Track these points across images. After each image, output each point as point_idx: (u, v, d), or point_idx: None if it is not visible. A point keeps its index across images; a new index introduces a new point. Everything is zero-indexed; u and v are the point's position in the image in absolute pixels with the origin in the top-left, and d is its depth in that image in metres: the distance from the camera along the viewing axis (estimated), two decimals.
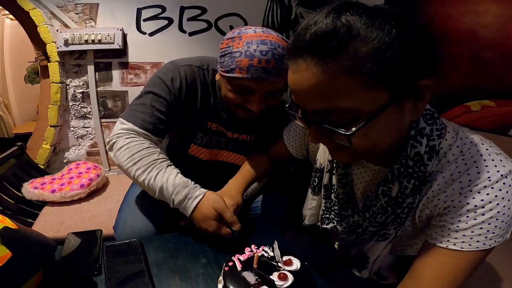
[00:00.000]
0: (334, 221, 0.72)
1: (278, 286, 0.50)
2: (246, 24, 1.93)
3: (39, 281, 0.54)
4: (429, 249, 0.53)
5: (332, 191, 0.70)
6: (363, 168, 0.64)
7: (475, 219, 0.47)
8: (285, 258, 0.56)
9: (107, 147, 0.80)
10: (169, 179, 0.73)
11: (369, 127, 0.42)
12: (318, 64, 0.41)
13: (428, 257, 0.53)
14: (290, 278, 0.51)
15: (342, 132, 0.42)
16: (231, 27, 1.92)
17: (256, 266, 0.53)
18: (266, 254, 0.57)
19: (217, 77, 0.84)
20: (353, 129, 0.42)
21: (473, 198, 0.47)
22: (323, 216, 0.76)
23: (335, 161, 0.67)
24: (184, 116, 0.87)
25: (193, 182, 0.75)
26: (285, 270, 0.53)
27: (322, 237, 0.90)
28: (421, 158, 0.51)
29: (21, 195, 1.33)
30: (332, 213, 0.72)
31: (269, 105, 0.80)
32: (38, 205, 1.33)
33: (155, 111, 0.81)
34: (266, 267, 0.54)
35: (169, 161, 0.78)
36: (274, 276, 0.51)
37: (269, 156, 0.97)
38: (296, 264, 0.55)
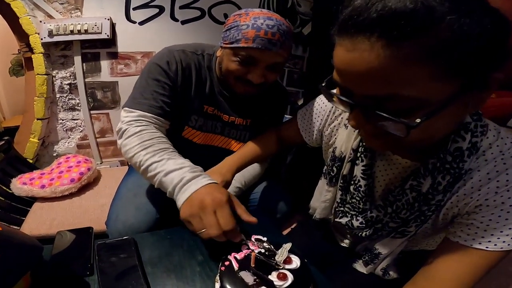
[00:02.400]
0: (348, 215, 0.70)
1: (278, 287, 0.48)
2: None
3: (27, 284, 0.51)
4: (450, 247, 0.52)
5: (352, 182, 0.68)
6: (386, 161, 0.62)
7: (506, 219, 0.47)
8: (284, 255, 0.54)
9: (118, 135, 0.81)
10: (182, 164, 0.69)
11: (433, 119, 0.39)
12: (386, 46, 0.36)
13: (447, 255, 0.52)
14: (290, 277, 0.50)
15: (404, 122, 0.38)
16: (226, 15, 1.87)
17: (253, 266, 0.51)
18: (263, 250, 0.55)
19: (219, 52, 0.87)
20: (418, 120, 0.37)
21: (509, 198, 0.46)
22: (336, 209, 0.73)
23: (360, 150, 0.64)
24: (179, 99, 0.87)
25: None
26: (285, 269, 0.52)
27: (324, 230, 0.89)
28: (462, 154, 0.49)
29: (10, 191, 1.28)
30: (348, 206, 0.70)
31: (267, 80, 0.83)
32: (29, 201, 1.29)
33: (159, 95, 0.82)
34: (264, 266, 0.52)
35: (178, 152, 0.76)
36: (273, 276, 0.50)
37: (278, 138, 0.95)
38: (296, 262, 0.54)
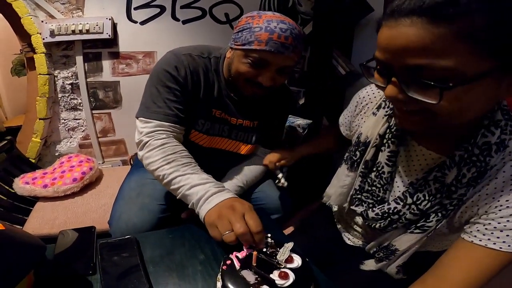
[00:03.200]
0: (365, 204, 0.70)
1: (279, 286, 0.48)
2: (242, 11, 1.88)
3: (30, 283, 0.52)
4: (463, 246, 0.53)
5: (374, 169, 0.68)
6: (409, 152, 0.63)
7: None
8: (286, 255, 0.54)
9: (138, 147, 0.83)
10: (207, 180, 0.74)
11: (464, 89, 0.40)
12: (427, 24, 0.39)
13: (459, 254, 0.53)
14: (291, 276, 0.50)
15: (438, 85, 0.40)
16: (227, 15, 1.87)
17: (255, 265, 0.52)
18: (264, 249, 0.56)
19: (228, 54, 0.87)
20: (451, 84, 0.40)
21: None
22: (353, 197, 0.73)
23: (387, 137, 0.65)
24: (188, 103, 0.87)
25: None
26: (286, 268, 0.52)
27: (329, 228, 0.88)
28: (489, 148, 0.49)
29: (13, 191, 1.29)
30: (365, 194, 0.70)
31: (276, 83, 0.84)
32: (31, 201, 1.30)
33: (172, 102, 0.83)
34: (265, 265, 0.52)
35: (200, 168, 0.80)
36: (275, 275, 0.50)
37: (336, 135, 1.00)
38: (297, 261, 0.54)
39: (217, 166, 0.94)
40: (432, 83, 0.40)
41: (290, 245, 0.55)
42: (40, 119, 1.65)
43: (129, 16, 1.70)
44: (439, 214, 0.57)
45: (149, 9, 1.72)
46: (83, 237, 0.69)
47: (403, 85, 0.44)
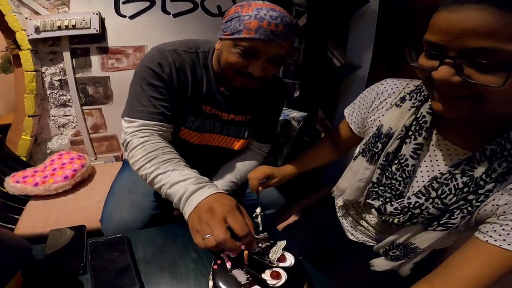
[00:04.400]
0: (382, 198, 0.68)
1: (271, 286, 0.48)
2: (235, 3, 1.84)
3: (19, 284, 0.51)
4: (475, 246, 0.52)
5: (396, 162, 0.66)
6: (433, 146, 0.62)
7: None
8: (278, 254, 0.54)
9: (123, 147, 0.80)
10: (187, 176, 0.69)
11: None
12: (497, 10, 0.39)
13: (471, 254, 0.52)
14: (284, 276, 0.50)
15: (506, 69, 0.40)
16: (219, 8, 1.83)
17: (246, 264, 0.51)
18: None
19: (217, 45, 0.83)
20: None
21: None
22: (370, 190, 0.71)
23: (414, 129, 0.63)
24: (175, 101, 0.84)
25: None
26: (278, 267, 0.51)
27: (329, 222, 0.88)
28: None
29: (4, 190, 1.27)
30: (382, 188, 0.68)
31: (267, 74, 0.81)
32: (24, 200, 1.28)
33: (157, 101, 0.80)
34: (257, 264, 0.52)
35: (185, 162, 0.76)
36: (266, 275, 0.50)
37: (333, 143, 0.96)
38: (290, 259, 0.53)
39: (210, 162, 0.92)
40: (498, 66, 0.40)
41: (282, 243, 0.54)
42: (29, 116, 1.61)
43: (117, 11, 1.66)
44: (464, 211, 0.56)
45: (138, 3, 1.68)
46: (74, 237, 0.68)
47: (459, 68, 0.44)
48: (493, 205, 0.53)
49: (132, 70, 1.75)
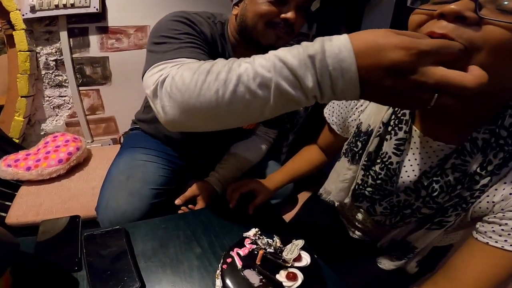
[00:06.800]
0: (369, 199, 0.65)
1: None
2: None
3: (8, 282, 0.46)
4: (477, 248, 0.49)
5: (378, 161, 0.61)
6: (414, 143, 0.57)
7: None
8: (295, 254, 0.49)
9: (151, 95, 0.53)
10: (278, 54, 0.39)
11: None
12: None
13: (473, 256, 0.50)
14: (300, 277, 0.45)
15: None
16: None
17: (259, 263, 0.46)
18: (268, 248, 0.50)
19: (235, 11, 0.81)
20: None
21: None
22: (356, 192, 0.68)
23: (393, 124, 0.58)
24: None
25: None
26: (294, 267, 0.47)
27: (331, 221, 0.84)
28: None
29: None
30: (369, 188, 0.64)
31: (298, 22, 0.77)
32: (15, 185, 1.22)
33: (192, 44, 0.67)
34: (270, 264, 0.47)
35: None
36: (282, 276, 0.45)
37: (320, 148, 0.90)
38: (306, 259, 0.49)
39: (218, 140, 0.87)
40: None
41: (300, 242, 0.49)
42: (22, 97, 1.56)
43: None
44: (459, 208, 0.52)
45: None
46: (67, 228, 0.63)
47: (479, 6, 0.36)
48: (488, 201, 0.49)
49: (133, 50, 1.70)
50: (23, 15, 1.45)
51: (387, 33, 0.33)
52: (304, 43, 0.37)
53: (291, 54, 0.37)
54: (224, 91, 0.41)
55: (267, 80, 0.38)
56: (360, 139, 0.64)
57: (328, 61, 0.34)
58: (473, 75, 0.32)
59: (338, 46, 0.34)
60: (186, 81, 0.45)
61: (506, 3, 0.35)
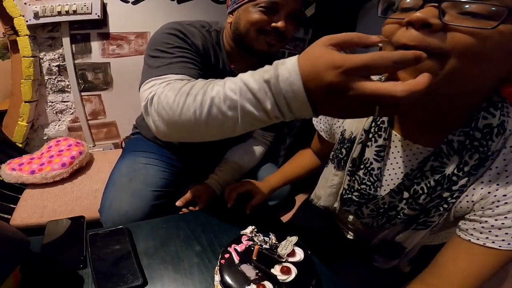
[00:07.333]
0: (357, 203, 0.67)
1: (281, 281, 0.46)
2: None
3: (17, 280, 0.49)
4: (460, 245, 0.51)
5: (362, 166, 0.63)
6: (395, 148, 0.59)
7: None
8: (289, 249, 0.51)
9: (144, 111, 0.59)
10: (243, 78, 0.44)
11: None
12: None
13: (457, 253, 0.51)
14: (294, 271, 0.48)
15: (498, 15, 0.35)
16: None
17: (255, 259, 0.49)
18: (264, 244, 0.53)
19: (229, 20, 0.84)
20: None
21: None
22: (344, 197, 0.69)
23: (373, 131, 0.60)
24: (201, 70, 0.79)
25: None
26: (288, 262, 0.49)
27: (327, 223, 0.86)
28: (491, 131, 0.46)
29: (0, 178, 1.24)
30: (356, 193, 0.66)
31: (289, 31, 0.80)
32: (20, 188, 1.24)
33: (182, 58, 0.71)
34: (266, 259, 0.50)
35: None
36: (276, 270, 0.48)
37: (311, 150, 0.94)
38: (300, 254, 0.51)
39: (216, 144, 0.89)
40: (483, 15, 0.36)
41: (294, 239, 0.52)
42: (25, 102, 1.58)
43: None
44: (441, 208, 0.53)
45: None
46: (73, 228, 0.65)
47: (442, 12, 0.38)
48: (467, 201, 0.51)
49: (134, 56, 1.73)
50: (26, 21, 1.48)
51: (323, 50, 0.36)
52: (265, 67, 0.41)
53: (253, 79, 0.41)
54: (201, 112, 0.46)
55: (234, 102, 0.43)
56: (345, 146, 0.66)
57: (281, 85, 0.38)
58: (404, 84, 0.33)
59: (288, 70, 0.38)
60: (170, 102, 0.51)
61: (467, 6, 0.37)
